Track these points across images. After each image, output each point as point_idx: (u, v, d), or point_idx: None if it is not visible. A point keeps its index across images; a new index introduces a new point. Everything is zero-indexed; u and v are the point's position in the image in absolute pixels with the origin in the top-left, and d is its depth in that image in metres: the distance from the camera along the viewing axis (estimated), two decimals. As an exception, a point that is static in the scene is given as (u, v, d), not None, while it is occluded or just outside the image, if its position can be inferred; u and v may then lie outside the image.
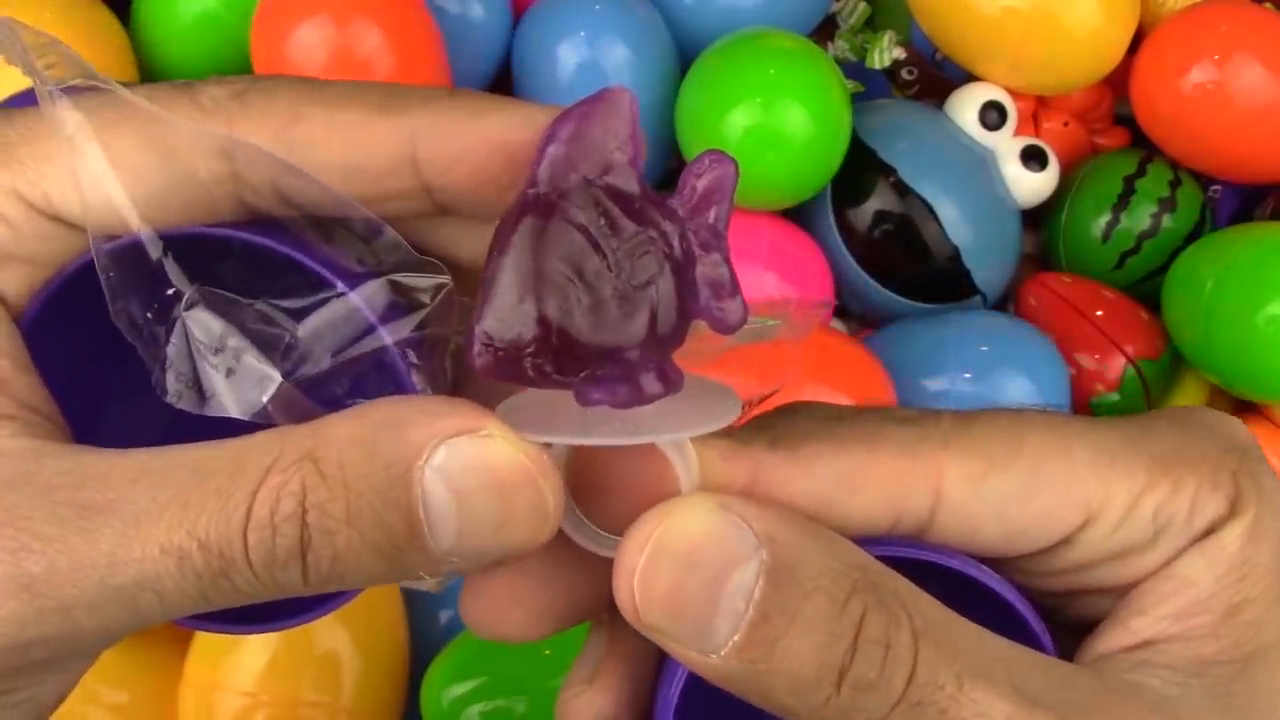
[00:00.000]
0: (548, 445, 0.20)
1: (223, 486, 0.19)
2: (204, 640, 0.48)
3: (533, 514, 0.20)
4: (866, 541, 0.22)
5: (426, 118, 0.22)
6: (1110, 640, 0.22)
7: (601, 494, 0.22)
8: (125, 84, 0.22)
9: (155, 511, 0.19)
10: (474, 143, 0.22)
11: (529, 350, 0.19)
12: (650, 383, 0.20)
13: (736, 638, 0.20)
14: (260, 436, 0.20)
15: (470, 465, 0.19)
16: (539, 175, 0.20)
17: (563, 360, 0.19)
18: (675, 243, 0.20)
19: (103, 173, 0.21)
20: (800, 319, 0.24)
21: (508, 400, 0.21)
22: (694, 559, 0.20)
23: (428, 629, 0.53)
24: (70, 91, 0.21)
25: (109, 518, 0.19)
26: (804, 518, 0.21)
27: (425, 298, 0.22)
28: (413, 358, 0.22)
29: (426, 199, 0.23)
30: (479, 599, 0.23)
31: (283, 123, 0.22)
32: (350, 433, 0.20)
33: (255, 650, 0.47)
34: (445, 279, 0.22)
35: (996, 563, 0.23)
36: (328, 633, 0.48)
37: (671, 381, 0.20)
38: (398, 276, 0.22)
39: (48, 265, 0.22)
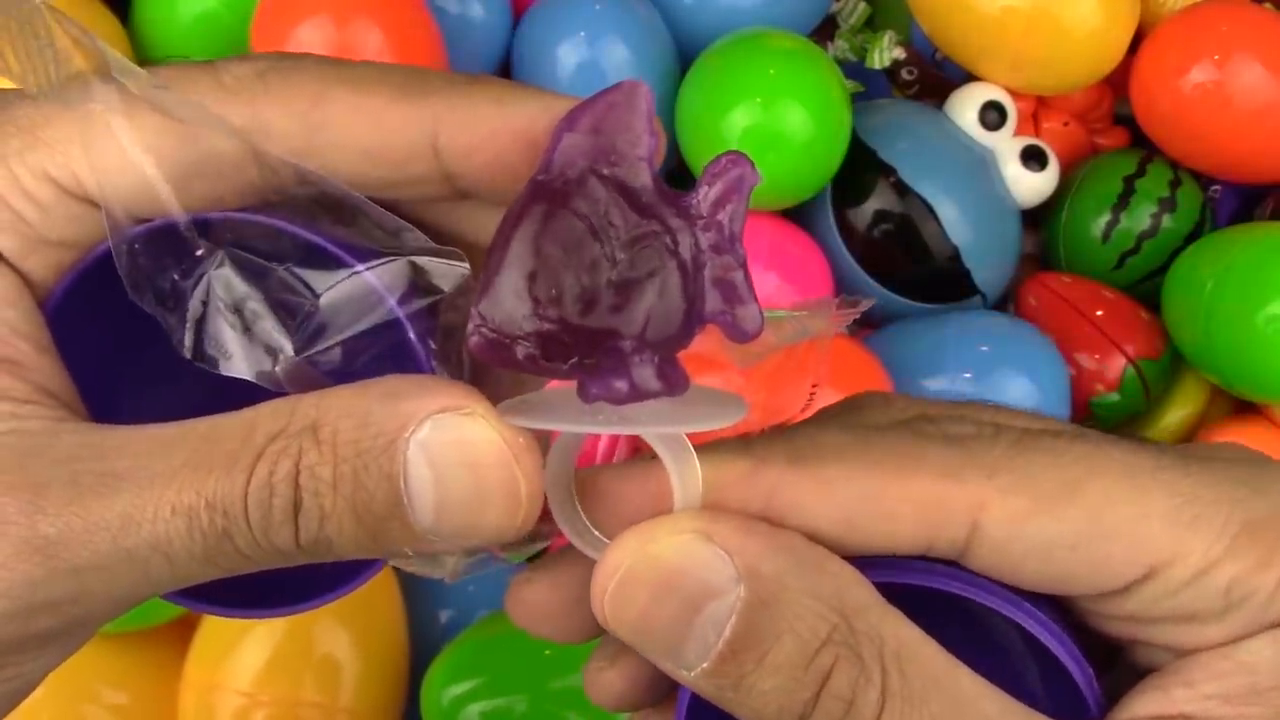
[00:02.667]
0: (542, 433, 0.20)
1: (233, 450, 0.20)
2: (204, 640, 0.48)
3: (505, 495, 0.20)
4: (892, 567, 0.21)
5: (448, 104, 0.22)
6: (1147, 704, 0.21)
7: (609, 501, 0.22)
8: (145, 64, 0.22)
9: (168, 474, 0.20)
10: (494, 130, 0.22)
11: (520, 334, 0.19)
12: (647, 378, 0.20)
13: (705, 665, 0.20)
14: (272, 404, 0.21)
15: (449, 441, 0.20)
16: (551, 163, 0.20)
17: (550, 346, 0.19)
18: (686, 241, 0.20)
19: (136, 154, 0.21)
20: (841, 315, 0.24)
21: (522, 396, 0.22)
22: (667, 586, 0.20)
23: (428, 629, 0.53)
24: (98, 74, 0.21)
25: (125, 482, 0.20)
26: (803, 545, 0.20)
27: (444, 284, 0.22)
28: (433, 344, 0.22)
29: (446, 184, 0.23)
30: (520, 605, 0.23)
31: (307, 104, 0.22)
32: (349, 403, 0.20)
33: (255, 650, 0.47)
34: (464, 267, 0.22)
35: (1045, 595, 0.22)
36: (327, 633, 0.48)
37: (672, 381, 0.20)
38: (418, 260, 0.22)
39: (77, 248, 0.22)
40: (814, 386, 0.25)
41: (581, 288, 0.19)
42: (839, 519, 0.21)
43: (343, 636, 0.48)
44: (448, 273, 0.22)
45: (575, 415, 0.20)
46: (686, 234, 0.20)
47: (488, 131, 0.22)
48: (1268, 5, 0.57)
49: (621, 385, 0.20)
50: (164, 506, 0.20)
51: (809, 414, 0.24)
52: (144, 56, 0.56)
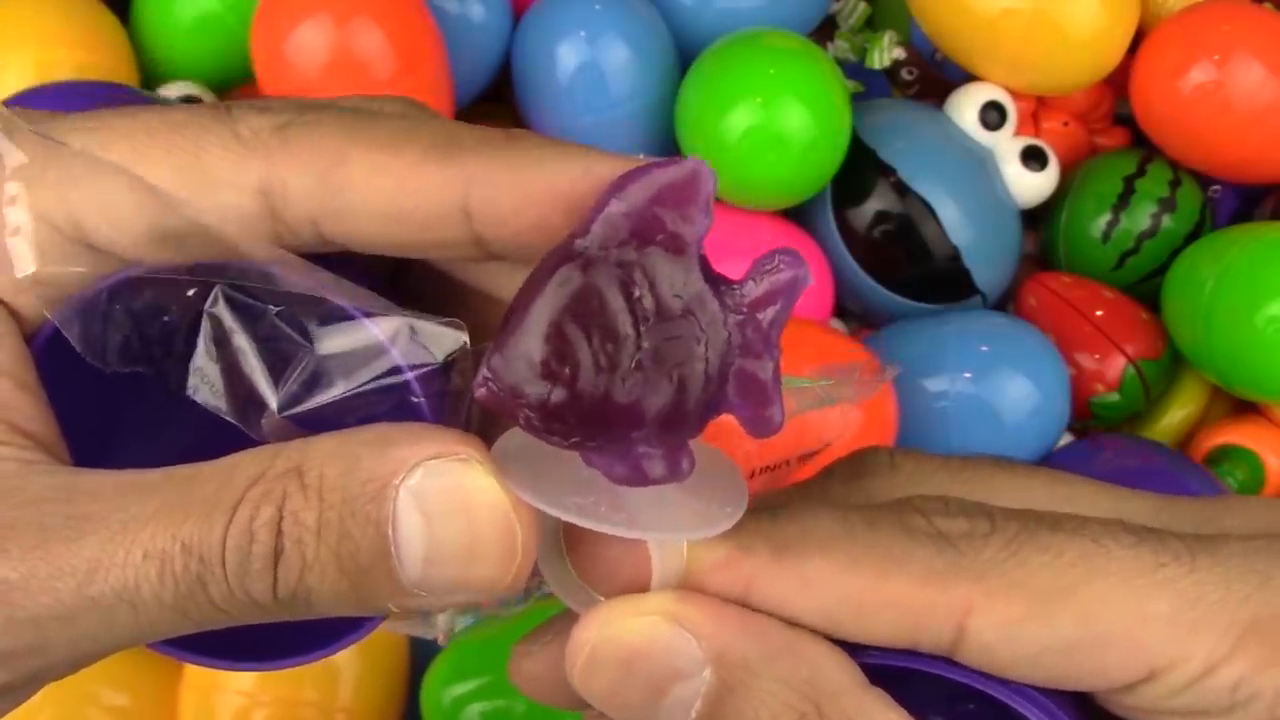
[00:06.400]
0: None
1: (212, 493, 0.19)
2: (204, 640, 0.48)
3: (500, 545, 0.19)
4: (879, 648, 0.20)
5: (482, 166, 0.21)
6: None
7: (599, 555, 0.21)
8: (149, 95, 0.21)
9: (143, 518, 0.19)
10: (533, 194, 0.20)
11: (524, 401, 0.19)
12: (653, 466, 0.19)
13: None
14: (255, 449, 0.20)
15: (444, 489, 0.19)
16: (592, 228, 0.19)
17: (552, 421, 0.19)
18: (719, 335, 0.19)
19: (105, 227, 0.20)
20: (864, 384, 0.24)
21: (510, 432, 0.21)
22: (632, 669, 0.20)
23: (428, 629, 0.53)
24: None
25: (96, 525, 0.19)
26: (777, 628, 0.20)
27: (439, 351, 0.21)
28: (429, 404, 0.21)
29: (478, 247, 0.21)
30: (521, 676, 0.23)
31: (327, 163, 0.21)
32: (337, 447, 0.19)
33: (255, 650, 0.47)
34: (463, 337, 0.21)
35: None
36: (328, 633, 0.48)
37: (678, 470, 0.19)
38: (418, 323, 0.20)
39: (73, 289, 0.21)
40: (823, 446, 0.24)
41: (598, 370, 0.19)
42: (819, 617, 0.20)
43: (343, 636, 0.48)
44: (445, 338, 0.20)
45: (571, 483, 0.20)
46: (721, 327, 0.19)
47: (525, 195, 0.20)
48: (1268, 5, 0.57)
49: (621, 470, 0.19)
50: (135, 551, 0.19)
51: (806, 473, 0.24)
52: (144, 57, 0.56)
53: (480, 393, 0.19)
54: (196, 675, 0.48)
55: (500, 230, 0.21)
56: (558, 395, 0.18)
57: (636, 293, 0.19)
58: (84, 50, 0.52)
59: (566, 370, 0.18)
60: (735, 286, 0.19)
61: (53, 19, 0.53)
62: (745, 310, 0.19)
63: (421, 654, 0.51)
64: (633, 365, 0.19)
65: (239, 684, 0.47)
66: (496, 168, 0.21)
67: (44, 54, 0.52)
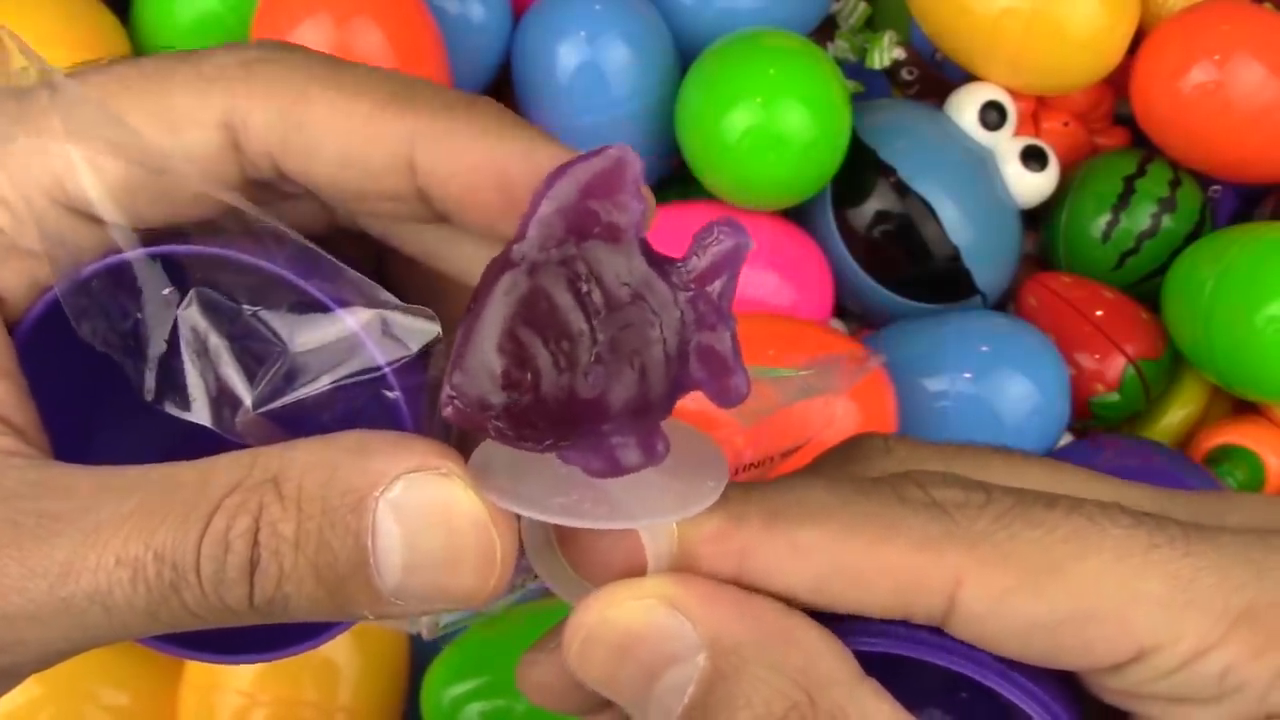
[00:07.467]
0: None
1: (187, 499, 0.19)
2: (204, 640, 0.48)
3: (479, 558, 0.19)
4: (881, 634, 0.20)
5: (429, 124, 0.21)
6: None
7: (591, 546, 0.21)
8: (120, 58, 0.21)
9: (117, 521, 0.19)
10: (469, 164, 0.21)
11: (492, 412, 0.19)
12: (628, 455, 0.19)
13: None
14: (231, 455, 0.20)
15: (424, 502, 0.19)
16: (528, 232, 0.19)
17: (522, 428, 0.19)
18: (671, 315, 0.19)
19: (86, 177, 0.20)
20: (847, 373, 0.24)
21: (485, 443, 0.21)
22: (627, 652, 0.20)
23: (428, 629, 0.53)
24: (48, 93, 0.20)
25: (67, 526, 0.19)
26: (773, 613, 0.20)
27: (413, 342, 0.21)
28: (407, 401, 0.21)
29: (423, 205, 0.22)
30: (528, 685, 0.23)
31: (289, 100, 0.21)
32: (315, 457, 0.19)
33: (255, 650, 0.47)
34: (435, 328, 0.21)
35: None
36: (327, 633, 0.48)
37: (653, 453, 0.20)
38: (390, 316, 0.20)
39: (58, 260, 0.21)
40: (806, 440, 0.24)
41: (558, 370, 0.19)
42: (812, 585, 0.20)
43: (342, 636, 0.48)
44: (417, 330, 0.20)
45: (551, 483, 0.20)
46: (672, 307, 0.19)
47: (464, 163, 0.21)
48: (1268, 5, 0.57)
49: (598, 462, 0.19)
50: (107, 555, 0.19)
51: (790, 467, 0.24)
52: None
53: (447, 412, 0.19)
54: (196, 675, 0.48)
55: (441, 189, 0.21)
56: (523, 401, 0.19)
57: (584, 288, 0.19)
58: (84, 50, 0.52)
59: (528, 375, 0.18)
60: (680, 264, 0.19)
61: (53, 19, 0.53)
62: (693, 286, 0.19)
63: (421, 654, 0.51)
64: (592, 359, 0.19)
65: (238, 683, 0.47)
66: (443, 129, 0.21)
67: (44, 54, 0.52)
